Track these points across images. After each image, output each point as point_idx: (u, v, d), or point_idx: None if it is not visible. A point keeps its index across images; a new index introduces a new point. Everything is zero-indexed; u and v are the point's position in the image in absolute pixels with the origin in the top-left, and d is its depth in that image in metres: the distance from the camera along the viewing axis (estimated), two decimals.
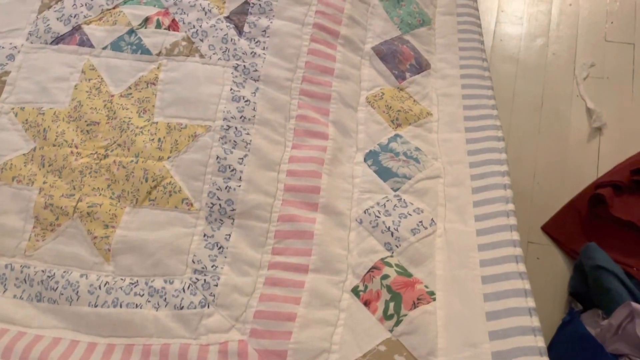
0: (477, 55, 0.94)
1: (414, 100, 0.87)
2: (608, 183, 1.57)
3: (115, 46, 0.88)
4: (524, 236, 1.60)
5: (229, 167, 0.76)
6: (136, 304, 0.68)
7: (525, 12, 2.01)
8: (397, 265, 0.68)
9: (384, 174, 0.77)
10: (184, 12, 0.89)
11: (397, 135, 0.82)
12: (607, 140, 1.74)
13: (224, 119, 0.80)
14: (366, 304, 0.67)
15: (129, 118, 0.81)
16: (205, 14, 0.88)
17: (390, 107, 0.84)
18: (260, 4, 0.89)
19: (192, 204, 0.74)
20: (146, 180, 0.76)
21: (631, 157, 1.69)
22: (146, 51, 0.87)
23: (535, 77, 1.89)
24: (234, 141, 0.78)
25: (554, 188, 1.70)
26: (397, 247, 0.70)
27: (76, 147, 0.80)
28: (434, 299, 0.65)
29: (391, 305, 0.65)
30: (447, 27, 0.97)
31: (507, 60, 1.93)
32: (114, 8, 0.91)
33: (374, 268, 0.68)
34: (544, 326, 1.51)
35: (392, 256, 0.69)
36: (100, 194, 0.76)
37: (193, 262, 0.70)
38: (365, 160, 0.80)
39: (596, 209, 1.55)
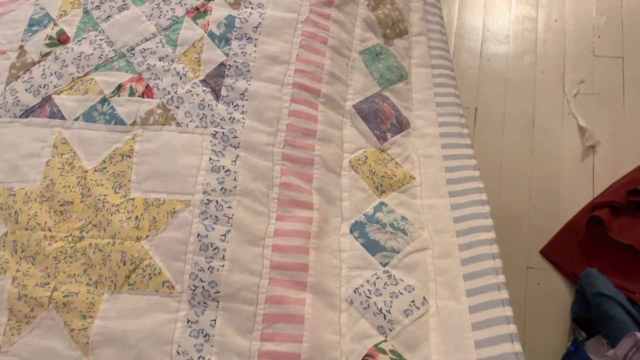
0: (455, 111, 0.92)
1: (396, 163, 0.84)
2: (605, 204, 1.55)
3: (88, 117, 0.84)
4: (522, 261, 1.57)
5: (211, 246, 0.72)
6: None
7: (511, 30, 1.99)
8: (391, 351, 0.65)
9: (372, 247, 0.74)
10: (158, 77, 0.86)
11: (382, 204, 0.79)
12: (601, 158, 1.72)
13: (204, 192, 0.76)
14: None
15: (104, 195, 0.77)
16: (180, 79, 0.85)
17: (374, 172, 0.81)
18: (237, 66, 0.85)
19: (173, 287, 0.71)
20: (124, 264, 0.72)
21: (626, 176, 1.67)
22: (120, 121, 0.83)
23: (525, 96, 1.87)
24: (215, 216, 0.74)
25: (550, 209, 1.67)
26: (391, 330, 0.66)
27: (49, 230, 0.76)
28: None
29: None
30: (422, 81, 0.94)
31: (496, 80, 1.90)
32: (85, 75, 0.88)
33: (368, 356, 0.64)
34: (547, 355, 1.48)
35: (386, 341, 0.66)
36: (77, 281, 0.72)
37: (178, 353, 0.67)
38: (351, 231, 0.76)
39: (594, 231, 1.52)
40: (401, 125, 0.88)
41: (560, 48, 1.92)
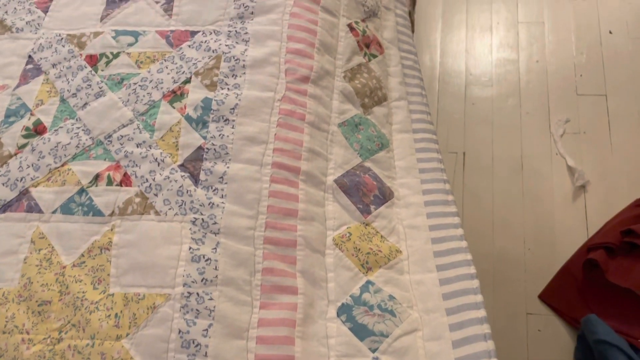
0: (439, 177, 0.91)
1: (382, 237, 0.82)
2: (600, 245, 1.53)
3: (66, 209, 0.83)
4: (522, 308, 1.54)
5: (193, 342, 0.70)
6: None
7: (494, 73, 2.01)
8: None
9: (360, 332, 0.72)
10: (136, 165, 0.85)
11: (368, 283, 0.77)
12: (592, 198, 1.71)
13: (184, 284, 0.74)
14: None
15: (83, 292, 0.76)
16: (159, 165, 0.84)
17: (359, 249, 0.80)
18: (215, 149, 0.85)
19: None
20: None
21: (619, 215, 1.66)
22: (98, 212, 0.82)
23: (512, 138, 1.87)
24: (197, 310, 0.72)
25: (546, 252, 1.65)
26: None
27: (27, 333, 0.74)
28: None
29: None
30: (404, 147, 0.94)
31: (482, 124, 1.91)
32: (62, 166, 0.87)
33: None
34: None
35: None
36: None
37: None
38: (338, 315, 0.74)
39: (592, 274, 1.50)
40: (384, 196, 0.87)
41: (543, 89, 1.94)
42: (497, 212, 1.73)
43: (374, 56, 1.04)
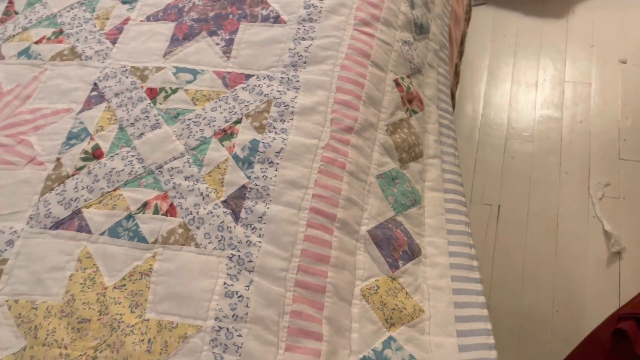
0: (465, 240, 0.93)
1: (407, 293, 0.84)
2: (631, 315, 1.50)
3: (113, 232, 0.88)
4: None
5: None
6: None
7: (536, 129, 2.02)
8: None
9: None
10: (183, 197, 0.90)
11: (391, 339, 0.79)
12: (627, 265, 1.68)
13: (216, 318, 0.78)
14: None
15: (121, 315, 0.80)
16: (203, 199, 0.89)
17: (385, 304, 0.82)
18: (257, 189, 0.89)
19: None
20: None
21: None
22: (142, 239, 0.86)
23: (549, 196, 1.87)
24: (225, 344, 0.76)
25: (574, 316, 1.63)
26: None
27: (65, 348, 0.78)
28: None
29: None
30: (435, 206, 0.96)
31: (520, 178, 1.91)
32: (114, 190, 0.92)
33: None
34: None
35: None
36: None
37: None
38: None
39: (620, 345, 1.46)
40: (413, 253, 0.89)
41: (585, 149, 1.93)
42: (528, 269, 1.72)
43: (415, 112, 1.08)
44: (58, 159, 0.98)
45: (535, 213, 1.81)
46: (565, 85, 2.10)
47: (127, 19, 1.15)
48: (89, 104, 1.04)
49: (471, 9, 2.00)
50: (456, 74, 1.80)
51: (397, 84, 1.07)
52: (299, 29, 1.06)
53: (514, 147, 1.98)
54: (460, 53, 1.88)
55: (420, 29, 1.18)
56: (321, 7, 1.07)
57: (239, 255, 0.83)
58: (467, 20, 1.95)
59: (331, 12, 1.07)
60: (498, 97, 2.11)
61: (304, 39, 1.04)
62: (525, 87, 2.11)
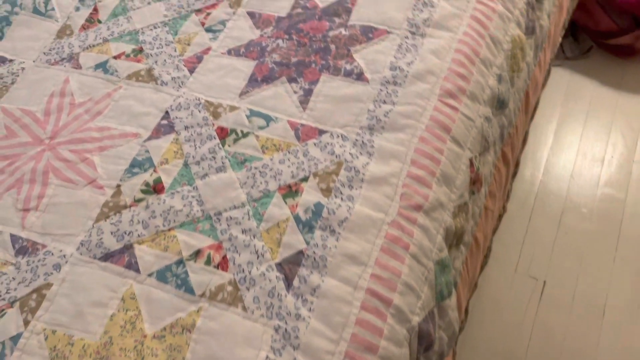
0: None
1: None
2: None
3: (161, 276, 0.85)
4: None
5: None
6: None
7: (595, 207, 1.93)
8: None
9: None
10: (237, 251, 0.87)
11: None
12: None
13: None
14: None
15: None
16: (257, 258, 0.86)
17: None
18: (314, 257, 0.85)
19: None
20: None
21: None
22: (190, 289, 0.84)
23: (600, 281, 1.78)
24: None
25: None
26: None
27: None
28: None
29: None
30: None
31: (570, 256, 1.83)
32: (169, 230, 0.90)
33: None
34: None
35: None
36: None
37: None
38: None
39: None
40: (441, 356, 0.85)
41: None
42: (566, 354, 1.63)
43: (473, 194, 1.03)
44: (118, 186, 0.96)
45: (582, 296, 1.72)
46: (633, 166, 2.00)
47: (208, 49, 1.13)
48: (157, 132, 1.02)
49: (550, 74, 1.93)
50: (524, 141, 1.74)
51: (471, 163, 1.02)
52: (382, 90, 1.02)
53: (569, 222, 1.89)
54: (532, 118, 1.81)
55: (500, 105, 1.13)
56: (407, 72, 1.03)
57: (285, 328, 0.79)
58: (544, 85, 1.88)
59: (417, 78, 1.03)
60: (560, 167, 2.02)
61: (385, 102, 1.00)
62: (591, 161, 2.02)
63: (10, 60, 1.19)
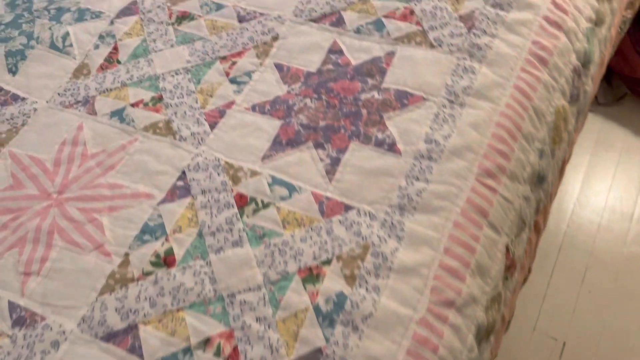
0: None
1: None
2: None
3: None
4: None
5: None
6: None
7: (621, 268, 1.84)
8: None
9: None
10: (249, 343, 0.80)
11: None
12: None
13: None
14: None
15: None
16: (272, 353, 0.78)
17: None
18: (334, 357, 0.78)
19: None
20: None
21: None
22: None
23: (623, 347, 1.68)
24: None
25: None
26: None
27: None
28: None
29: None
30: None
31: (594, 317, 1.74)
32: (177, 311, 0.83)
33: None
34: None
35: None
36: None
37: None
38: None
39: None
40: None
41: None
42: None
43: (507, 279, 0.95)
44: (127, 255, 0.90)
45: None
46: None
47: (232, 103, 1.06)
48: (172, 194, 0.96)
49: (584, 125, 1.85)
50: (551, 195, 1.66)
51: (507, 249, 0.94)
52: (415, 165, 0.94)
53: (593, 280, 1.80)
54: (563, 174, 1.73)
55: (539, 181, 1.05)
56: (444, 146, 0.95)
57: None
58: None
59: (454, 154, 0.95)
60: (586, 220, 1.94)
61: (418, 179, 0.93)
62: (620, 216, 1.93)
63: (23, 99, 1.13)
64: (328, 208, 0.92)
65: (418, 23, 1.11)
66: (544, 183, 1.08)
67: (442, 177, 0.93)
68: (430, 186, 0.92)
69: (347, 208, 0.92)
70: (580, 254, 1.86)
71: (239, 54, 1.13)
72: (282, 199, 0.93)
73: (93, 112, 1.08)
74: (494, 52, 1.06)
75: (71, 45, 1.20)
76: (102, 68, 1.16)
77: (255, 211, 0.92)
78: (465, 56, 1.06)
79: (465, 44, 1.07)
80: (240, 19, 1.18)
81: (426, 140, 0.97)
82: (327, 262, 0.86)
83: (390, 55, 1.08)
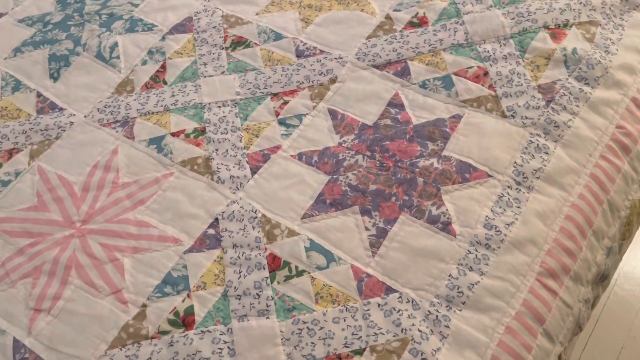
0: None
1: None
2: None
3: None
4: None
5: None
6: None
7: None
8: None
9: None
10: None
11: None
12: None
13: None
14: None
15: None
16: None
17: None
18: None
19: None
20: None
21: None
22: None
23: None
24: None
25: None
26: None
27: None
28: None
29: None
30: None
31: None
32: None
33: None
34: None
35: None
36: None
37: None
38: None
39: None
40: None
41: None
42: None
43: None
44: (144, 306, 0.83)
45: None
46: None
47: (278, 147, 0.98)
48: (201, 243, 0.88)
49: None
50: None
51: (559, 358, 0.84)
52: (469, 252, 0.85)
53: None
54: None
55: (602, 279, 0.95)
56: (505, 236, 0.86)
57: None
58: None
59: (516, 245, 0.85)
60: (629, 294, 1.80)
61: (471, 268, 0.84)
62: None
63: (61, 109, 1.07)
64: (367, 287, 0.83)
65: (491, 87, 1.01)
66: (605, 280, 0.97)
67: (498, 271, 0.83)
68: (484, 280, 0.83)
69: (389, 290, 0.83)
70: (618, 330, 1.73)
71: (292, 92, 1.05)
72: (319, 268, 0.85)
73: (131, 136, 1.01)
74: (573, 132, 0.95)
75: (118, 57, 1.13)
76: (147, 87, 1.09)
77: (287, 278, 0.84)
78: (539, 132, 0.96)
79: (541, 119, 0.96)
80: (299, 54, 1.10)
81: (486, 225, 0.87)
82: (359, 352, 0.78)
83: (456, 119, 0.98)
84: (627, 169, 0.96)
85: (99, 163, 0.98)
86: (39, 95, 1.10)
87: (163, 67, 1.12)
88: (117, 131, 1.03)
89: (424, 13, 1.12)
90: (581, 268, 0.87)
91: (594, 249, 0.90)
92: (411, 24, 1.11)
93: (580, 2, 1.09)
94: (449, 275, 0.84)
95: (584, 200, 0.91)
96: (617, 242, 0.96)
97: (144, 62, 1.12)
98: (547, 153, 0.93)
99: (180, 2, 1.22)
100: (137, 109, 1.05)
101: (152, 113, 1.05)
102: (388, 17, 1.13)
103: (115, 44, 1.14)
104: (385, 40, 1.09)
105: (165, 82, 1.10)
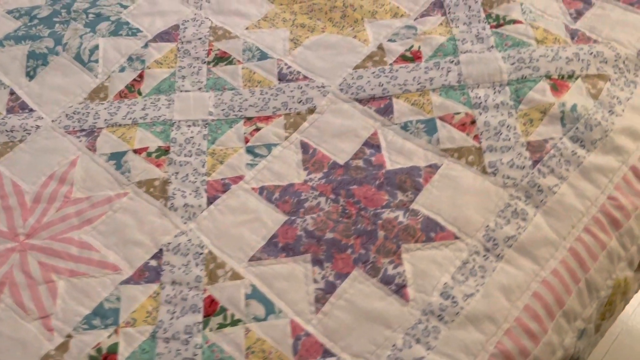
0: None
1: None
2: None
3: None
4: None
5: None
6: None
7: None
8: None
9: None
10: None
11: None
12: None
13: None
14: None
15: None
16: None
17: None
18: None
19: None
20: None
21: None
22: None
23: None
24: None
25: None
26: None
27: None
28: None
29: None
30: None
31: None
32: None
33: None
34: None
35: None
36: None
37: None
38: None
39: None
40: None
41: None
42: None
43: None
44: (69, 337, 0.79)
45: None
46: None
47: (240, 177, 0.93)
48: (141, 274, 0.84)
49: None
50: None
51: None
52: (420, 321, 0.78)
53: None
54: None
55: None
56: (461, 308, 0.78)
57: None
58: None
59: (471, 320, 0.78)
60: None
61: (419, 341, 0.77)
62: None
63: (30, 111, 1.04)
64: (304, 347, 0.77)
65: (476, 137, 0.93)
66: None
67: (447, 348, 0.76)
68: (430, 356, 0.76)
69: (326, 354, 0.77)
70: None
71: (267, 119, 0.99)
72: (256, 319, 0.79)
73: (93, 148, 0.98)
74: (557, 199, 0.87)
75: (97, 61, 1.09)
76: (121, 95, 1.05)
77: (221, 326, 0.79)
78: (520, 195, 0.87)
79: (524, 180, 0.88)
80: (281, 77, 1.04)
81: (443, 294, 0.80)
82: None
83: (433, 168, 0.91)
84: (613, 246, 0.87)
85: (55, 174, 0.95)
86: (12, 92, 1.07)
87: (140, 76, 1.07)
88: (80, 141, 0.99)
89: (419, 47, 1.04)
90: (543, 352, 0.79)
91: (562, 331, 0.82)
92: (403, 58, 1.03)
93: (591, 53, 0.99)
94: (393, 345, 0.77)
95: (557, 277, 0.82)
96: (593, 324, 0.88)
97: (122, 69, 1.08)
98: (524, 219, 0.85)
99: (170, 8, 1.17)
100: (105, 119, 1.01)
101: (119, 125, 1.01)
102: (380, 47, 1.06)
103: (96, 47, 1.10)
104: (373, 72, 1.02)
105: (140, 93, 1.05)
